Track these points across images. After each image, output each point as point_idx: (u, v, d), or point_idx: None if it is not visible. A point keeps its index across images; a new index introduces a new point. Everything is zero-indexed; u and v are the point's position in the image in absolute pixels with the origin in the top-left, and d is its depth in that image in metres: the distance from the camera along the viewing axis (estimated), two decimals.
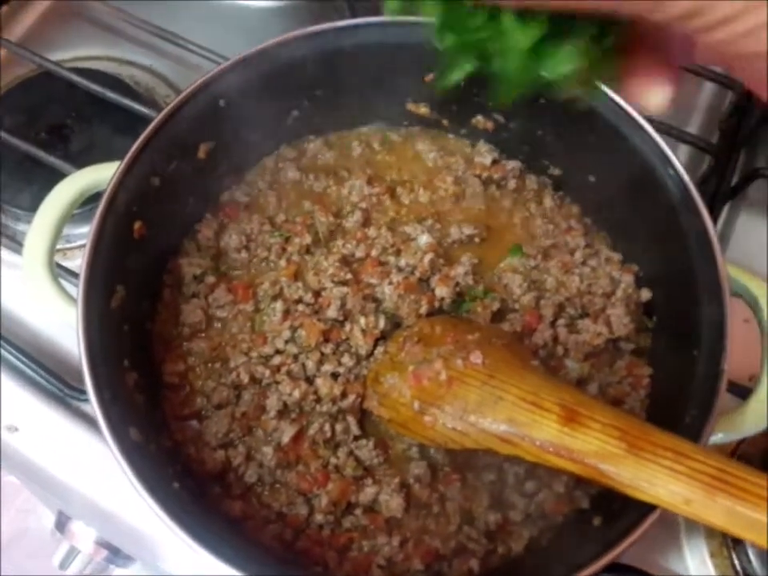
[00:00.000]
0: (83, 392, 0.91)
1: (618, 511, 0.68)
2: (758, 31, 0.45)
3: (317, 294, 0.86)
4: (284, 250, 0.89)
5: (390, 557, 0.76)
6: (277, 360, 0.83)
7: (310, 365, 0.82)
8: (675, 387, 0.75)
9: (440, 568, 0.76)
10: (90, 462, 0.89)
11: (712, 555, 0.88)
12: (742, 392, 0.82)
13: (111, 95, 1.04)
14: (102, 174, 0.83)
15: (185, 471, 0.76)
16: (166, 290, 0.87)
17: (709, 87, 1.15)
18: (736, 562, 0.87)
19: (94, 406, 0.68)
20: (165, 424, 0.79)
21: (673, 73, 0.54)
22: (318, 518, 0.77)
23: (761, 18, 0.44)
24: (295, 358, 0.83)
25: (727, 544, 0.88)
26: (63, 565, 1.07)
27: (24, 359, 0.93)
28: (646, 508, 0.64)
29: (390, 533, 0.77)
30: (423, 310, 0.85)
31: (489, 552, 0.77)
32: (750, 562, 0.87)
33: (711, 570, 0.87)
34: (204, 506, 0.74)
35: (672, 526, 0.89)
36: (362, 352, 0.83)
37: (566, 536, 0.75)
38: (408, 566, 0.76)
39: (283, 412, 0.81)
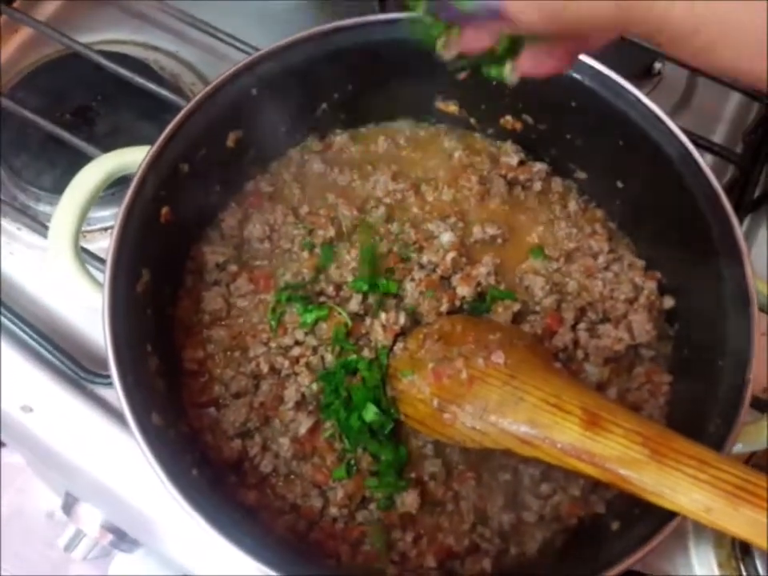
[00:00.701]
0: (98, 375, 0.92)
1: (637, 516, 0.68)
2: (713, 47, 0.48)
3: (338, 287, 0.86)
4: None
5: (403, 552, 0.76)
6: (296, 351, 0.83)
7: (330, 357, 0.82)
8: (696, 396, 0.75)
9: (453, 566, 0.76)
10: (102, 444, 0.90)
11: (720, 565, 0.88)
12: (759, 404, 0.82)
13: (139, 80, 1.04)
14: (129, 158, 0.83)
15: (202, 458, 0.76)
16: (188, 277, 0.87)
17: (735, 98, 1.16)
18: (744, 573, 0.87)
19: (117, 390, 0.68)
20: (183, 411, 0.79)
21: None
22: (333, 510, 0.77)
23: (710, 35, 0.48)
24: (315, 350, 0.83)
25: (735, 554, 0.88)
26: (69, 547, 1.07)
27: (41, 341, 0.93)
28: (667, 514, 0.64)
29: (405, 528, 0.77)
30: (444, 308, 0.85)
31: (502, 552, 0.77)
32: (758, 573, 0.87)
33: None
34: (220, 493, 0.74)
35: (681, 534, 0.89)
36: (381, 346, 0.83)
37: (582, 540, 0.75)
38: (421, 562, 0.76)
39: (301, 404, 0.81)
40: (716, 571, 0.88)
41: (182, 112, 0.79)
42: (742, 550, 0.88)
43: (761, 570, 0.86)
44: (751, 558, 0.87)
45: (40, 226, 0.99)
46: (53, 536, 1.95)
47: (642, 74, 1.14)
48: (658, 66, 1.15)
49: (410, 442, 0.82)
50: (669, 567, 0.87)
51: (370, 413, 0.79)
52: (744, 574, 0.87)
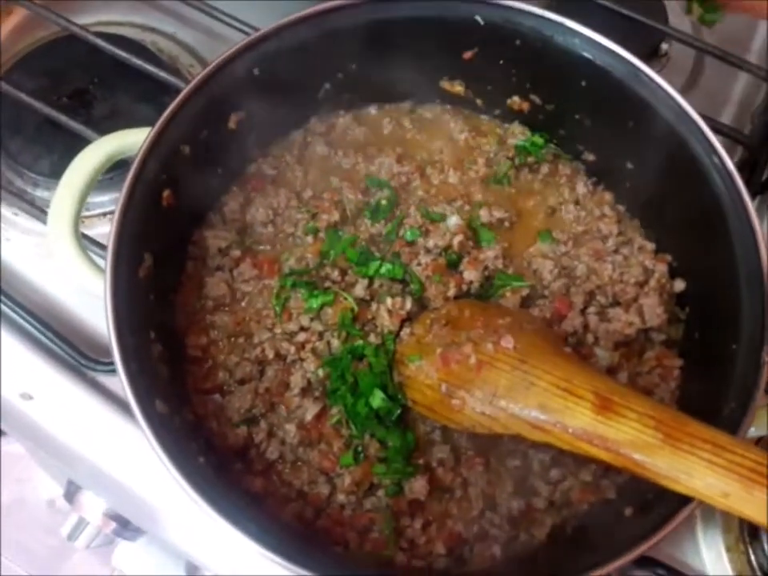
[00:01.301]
0: (99, 362, 0.90)
1: (651, 502, 0.67)
2: None
3: (343, 272, 0.85)
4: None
5: (412, 539, 0.75)
6: (302, 337, 0.82)
7: (336, 343, 0.81)
8: (709, 380, 0.74)
9: (462, 552, 0.76)
10: (104, 432, 0.88)
11: (728, 549, 0.87)
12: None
13: (136, 62, 1.02)
14: (128, 140, 0.81)
15: (208, 446, 0.75)
16: (190, 263, 0.85)
17: (743, 79, 1.14)
18: (752, 556, 0.86)
19: (121, 377, 0.67)
20: (188, 398, 0.78)
21: None
22: (340, 497, 0.76)
23: None
24: (320, 335, 0.82)
25: (743, 539, 0.87)
26: (72, 536, 1.06)
27: (41, 328, 0.92)
28: (681, 499, 0.63)
29: (413, 515, 0.76)
30: (451, 293, 0.84)
31: (511, 538, 0.76)
32: (766, 557, 0.86)
33: (727, 564, 0.87)
34: (226, 480, 0.73)
35: (688, 520, 0.87)
36: (387, 331, 0.82)
37: (593, 526, 0.74)
38: (430, 549, 0.75)
39: (307, 390, 0.80)
40: (724, 555, 0.87)
41: (183, 93, 0.77)
42: (749, 534, 0.87)
43: None
44: (759, 542, 0.87)
45: (38, 211, 0.97)
46: (53, 524, 1.95)
47: (650, 55, 1.12)
48: (665, 46, 1.13)
49: (417, 428, 0.80)
50: (677, 552, 0.87)
51: (377, 399, 0.77)
52: (752, 557, 0.86)
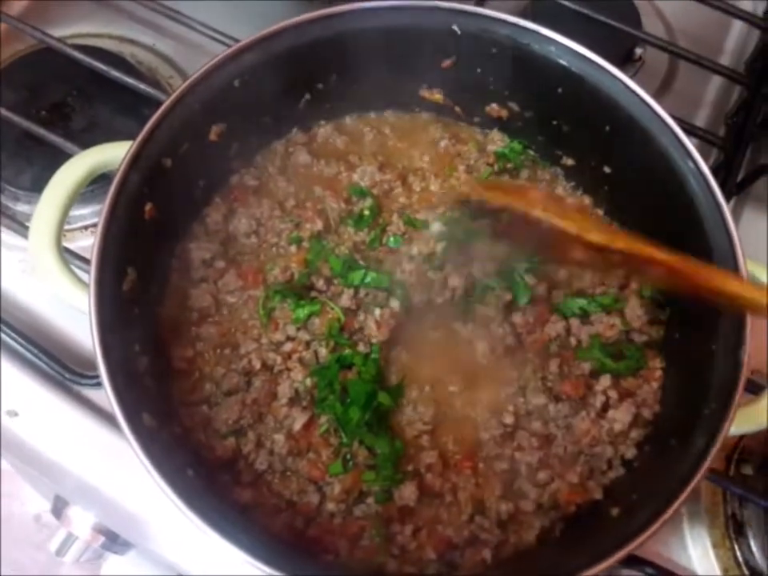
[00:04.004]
0: (84, 376, 0.90)
1: (637, 502, 0.68)
2: None
3: (329, 281, 0.85)
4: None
5: (402, 545, 0.76)
6: (288, 347, 0.82)
7: (323, 352, 0.81)
8: (690, 380, 0.76)
9: (452, 557, 0.76)
10: (90, 446, 0.88)
11: (714, 546, 0.89)
12: (751, 386, 0.83)
13: (115, 74, 1.02)
14: (110, 154, 0.81)
15: (196, 458, 0.75)
16: (174, 275, 0.85)
17: (716, 82, 1.16)
18: (738, 552, 0.88)
19: (107, 391, 0.67)
20: (175, 410, 0.78)
21: None
22: (330, 506, 0.76)
23: None
24: (307, 345, 0.82)
25: (729, 535, 0.89)
26: (60, 551, 1.05)
27: (24, 343, 0.91)
28: (668, 498, 0.64)
29: (403, 521, 0.76)
30: (439, 300, 0.84)
31: (501, 542, 0.77)
32: (752, 553, 0.87)
33: (713, 560, 0.88)
34: (216, 493, 0.73)
35: (675, 517, 0.90)
36: (375, 341, 0.83)
37: (581, 527, 0.75)
38: (421, 555, 0.75)
39: (294, 399, 0.80)
40: (710, 552, 0.88)
41: (163, 106, 0.77)
42: (735, 531, 0.88)
43: (755, 549, 0.87)
44: (745, 538, 0.88)
45: (19, 225, 0.96)
46: (41, 539, 1.94)
47: (623, 60, 1.14)
48: (639, 51, 1.15)
49: (404, 434, 0.81)
50: (664, 550, 0.88)
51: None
52: (738, 553, 0.88)
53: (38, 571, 1.96)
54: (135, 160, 0.75)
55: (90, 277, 0.70)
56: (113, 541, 1.05)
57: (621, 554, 0.64)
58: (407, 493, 0.76)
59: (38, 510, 2.02)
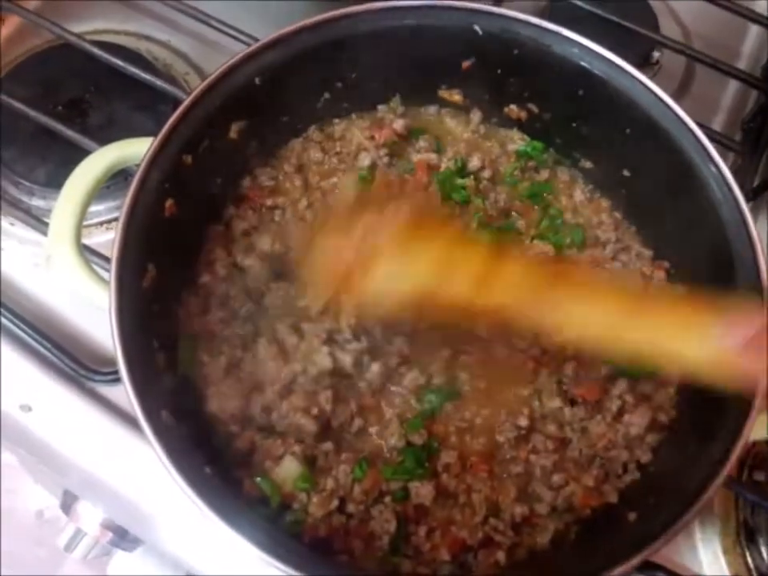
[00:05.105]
0: (98, 373, 0.90)
1: (654, 506, 0.68)
2: None
3: None
4: None
5: (416, 546, 0.75)
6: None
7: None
8: (707, 385, 0.75)
9: (466, 559, 0.76)
10: (103, 442, 0.88)
11: (725, 552, 0.88)
12: None
13: (133, 70, 1.02)
14: (130, 150, 0.81)
15: (214, 454, 0.74)
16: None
17: (733, 86, 1.16)
18: (749, 559, 0.88)
19: (127, 387, 0.67)
20: (192, 407, 0.77)
21: None
22: (350, 507, 0.76)
23: None
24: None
25: (740, 541, 0.89)
26: (69, 547, 1.05)
27: (39, 338, 0.91)
28: (685, 503, 0.64)
29: (418, 522, 0.76)
30: None
31: (515, 544, 0.76)
32: (762, 559, 0.87)
33: (724, 566, 0.88)
34: (233, 489, 0.73)
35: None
36: None
37: (596, 531, 0.75)
38: (435, 556, 0.75)
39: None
40: (721, 557, 0.88)
41: (185, 102, 0.77)
42: (746, 537, 0.88)
43: (765, 556, 0.87)
44: (756, 545, 0.88)
45: (34, 220, 0.96)
46: (43, 535, 1.93)
47: (641, 63, 1.13)
48: (656, 54, 1.15)
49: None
50: (674, 555, 0.87)
51: None
52: (749, 560, 0.88)
53: (40, 567, 1.96)
54: (156, 156, 0.75)
55: (110, 273, 0.70)
56: (121, 537, 1.05)
57: (637, 558, 0.64)
58: (425, 491, 0.76)
59: (41, 506, 2.02)
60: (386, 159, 0.91)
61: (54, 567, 1.95)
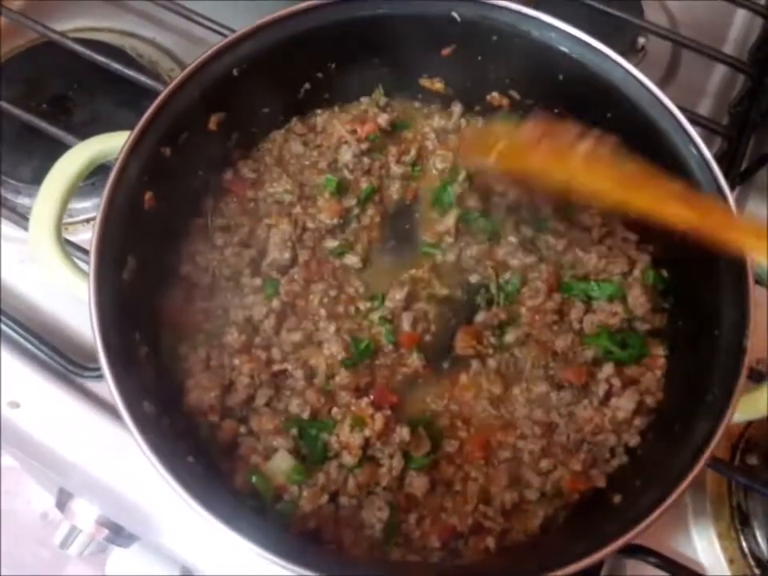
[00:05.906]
0: (86, 368, 0.90)
1: (639, 489, 0.68)
2: None
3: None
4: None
5: (407, 534, 0.75)
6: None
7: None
8: (693, 367, 0.75)
9: (456, 545, 0.76)
10: (93, 437, 0.88)
11: (720, 537, 0.88)
12: (753, 374, 0.82)
13: (116, 67, 1.02)
14: (110, 144, 0.80)
15: (198, 445, 0.74)
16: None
17: (719, 71, 1.15)
18: (744, 543, 0.87)
19: (107, 379, 0.67)
20: (175, 398, 0.77)
21: None
22: (342, 500, 0.76)
23: None
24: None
25: (735, 526, 0.88)
26: (64, 544, 1.05)
27: (26, 335, 0.91)
28: (670, 484, 0.64)
29: (409, 510, 0.76)
30: None
31: (505, 530, 0.76)
32: (757, 543, 0.87)
33: (718, 551, 0.88)
34: (217, 480, 0.73)
35: (679, 507, 0.89)
36: None
37: (584, 515, 0.75)
38: (425, 543, 0.75)
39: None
40: (715, 542, 0.88)
41: (162, 94, 0.77)
42: (741, 521, 0.88)
43: (760, 540, 0.87)
44: (750, 528, 0.88)
45: (19, 217, 0.97)
46: (46, 537, 1.94)
47: (627, 49, 1.13)
48: (641, 40, 1.14)
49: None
50: (668, 541, 0.87)
51: None
52: (744, 544, 0.87)
53: (43, 569, 1.97)
54: (134, 149, 0.75)
55: (89, 265, 0.70)
56: (116, 534, 1.05)
57: (622, 540, 0.64)
58: (419, 483, 0.76)
59: (44, 508, 2.02)
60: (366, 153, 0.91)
61: (56, 568, 1.96)
